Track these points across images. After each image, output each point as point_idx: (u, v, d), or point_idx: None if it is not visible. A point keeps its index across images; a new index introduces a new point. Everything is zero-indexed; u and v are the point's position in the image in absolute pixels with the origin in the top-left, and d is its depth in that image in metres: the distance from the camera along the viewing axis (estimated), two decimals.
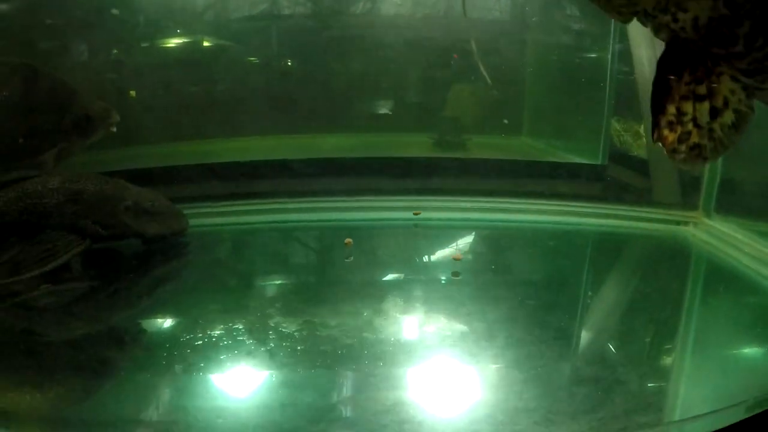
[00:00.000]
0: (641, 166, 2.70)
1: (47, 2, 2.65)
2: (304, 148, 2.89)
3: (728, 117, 1.00)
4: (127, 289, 1.84)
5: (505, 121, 3.02)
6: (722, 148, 1.02)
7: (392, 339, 1.48)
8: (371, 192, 2.66)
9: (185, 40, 2.90)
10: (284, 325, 1.53)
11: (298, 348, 1.42)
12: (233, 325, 1.53)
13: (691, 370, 1.43)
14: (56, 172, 2.03)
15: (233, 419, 1.18)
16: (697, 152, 1.03)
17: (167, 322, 1.68)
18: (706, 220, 2.35)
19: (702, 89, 1.00)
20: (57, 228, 1.84)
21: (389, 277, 2.02)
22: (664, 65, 1.03)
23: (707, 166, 2.29)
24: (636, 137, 2.82)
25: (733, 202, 2.32)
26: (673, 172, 2.53)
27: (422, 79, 3.04)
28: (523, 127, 3.09)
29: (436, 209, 2.54)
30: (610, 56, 2.80)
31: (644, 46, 2.46)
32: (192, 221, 2.14)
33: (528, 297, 1.79)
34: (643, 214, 2.50)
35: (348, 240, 2.15)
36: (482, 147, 3.00)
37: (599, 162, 2.87)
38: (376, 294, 1.78)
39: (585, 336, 1.59)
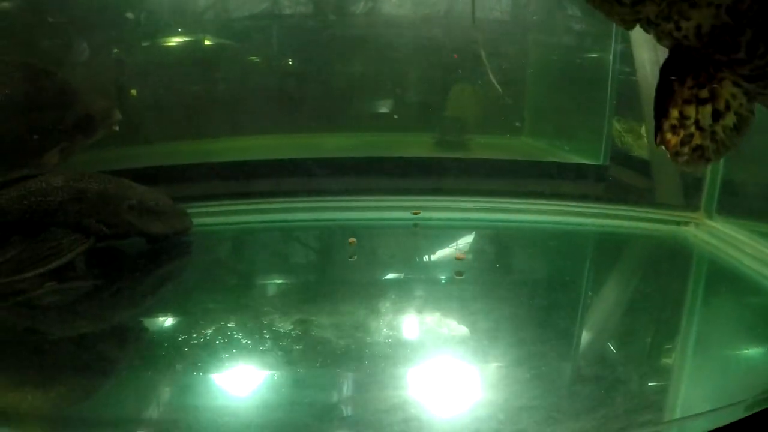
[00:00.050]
0: (643, 167, 2.71)
1: (49, 0, 2.65)
2: (305, 147, 2.89)
3: (730, 119, 1.02)
4: (131, 288, 1.84)
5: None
6: (724, 149, 1.03)
7: (396, 338, 1.48)
8: (373, 192, 2.67)
9: (186, 39, 2.91)
10: (285, 324, 1.53)
11: (300, 348, 1.42)
12: (235, 324, 1.54)
13: (691, 370, 1.44)
14: (60, 170, 2.03)
15: (236, 418, 1.18)
16: (700, 153, 1.04)
17: (170, 321, 1.69)
18: (708, 221, 2.35)
19: (704, 93, 1.01)
20: (61, 226, 1.84)
21: (392, 276, 2.02)
22: (667, 71, 1.04)
23: (709, 168, 2.30)
24: (637, 138, 2.82)
25: (735, 204, 2.33)
26: (675, 173, 2.53)
27: (423, 79, 3.04)
28: (524, 127, 3.10)
29: (437, 209, 2.54)
30: (611, 57, 2.80)
31: (646, 48, 2.47)
32: (195, 220, 2.14)
33: (530, 297, 1.80)
34: (645, 215, 2.50)
35: (352, 239, 2.15)
36: (483, 147, 3.01)
37: (601, 162, 2.87)
38: (378, 294, 1.79)
39: (586, 336, 1.60)
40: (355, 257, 2.11)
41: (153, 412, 1.22)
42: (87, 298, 1.76)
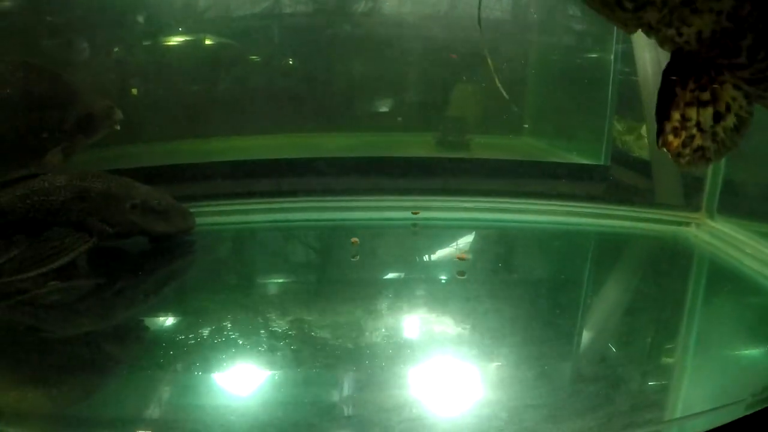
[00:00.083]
0: (644, 167, 2.71)
1: (49, 0, 2.66)
2: (306, 147, 2.89)
3: (731, 120, 1.03)
4: (133, 288, 1.84)
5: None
6: (725, 149, 1.05)
7: (398, 338, 1.49)
8: (374, 191, 2.67)
9: (187, 39, 2.91)
10: (286, 324, 1.53)
11: (301, 347, 1.42)
12: (236, 324, 1.54)
13: (692, 370, 1.44)
14: (62, 170, 2.03)
15: (238, 417, 1.18)
16: (701, 154, 1.05)
17: (172, 321, 1.69)
18: (709, 221, 2.36)
19: (706, 95, 1.02)
20: (64, 226, 1.84)
21: (394, 276, 2.03)
22: (668, 74, 1.05)
23: (710, 168, 2.30)
24: (638, 138, 2.82)
25: (736, 204, 2.33)
26: (676, 174, 2.53)
27: (424, 79, 3.04)
28: (525, 127, 3.10)
29: (438, 209, 2.54)
30: (612, 57, 2.81)
31: (647, 49, 2.47)
32: (198, 220, 2.14)
33: (531, 297, 1.80)
34: (646, 215, 2.50)
35: (354, 239, 2.15)
36: (484, 147, 3.01)
37: (602, 162, 2.88)
38: (380, 293, 1.79)
39: (588, 335, 1.60)
40: (358, 257, 2.11)
41: (154, 412, 1.22)
42: (89, 297, 1.76)
